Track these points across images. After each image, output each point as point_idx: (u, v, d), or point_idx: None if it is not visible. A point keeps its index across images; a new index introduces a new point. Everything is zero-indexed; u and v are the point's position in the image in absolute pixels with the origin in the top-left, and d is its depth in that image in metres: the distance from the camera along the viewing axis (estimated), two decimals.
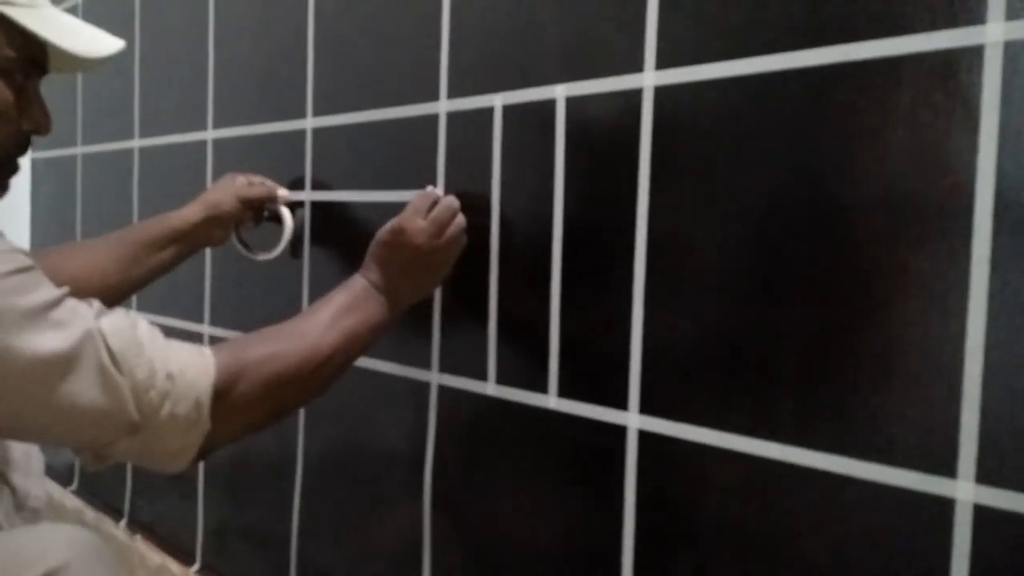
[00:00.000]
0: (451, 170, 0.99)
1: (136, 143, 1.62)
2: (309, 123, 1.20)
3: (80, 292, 0.76)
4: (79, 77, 1.82)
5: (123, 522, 1.65)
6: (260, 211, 1.22)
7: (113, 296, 1.08)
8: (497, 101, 0.93)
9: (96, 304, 0.73)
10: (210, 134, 1.40)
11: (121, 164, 1.66)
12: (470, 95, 0.97)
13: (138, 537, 1.57)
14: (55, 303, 0.68)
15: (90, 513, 1.73)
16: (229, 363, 0.76)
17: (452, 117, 0.99)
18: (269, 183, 1.20)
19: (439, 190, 0.99)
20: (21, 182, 2.04)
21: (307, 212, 1.20)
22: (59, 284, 0.74)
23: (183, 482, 1.48)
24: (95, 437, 0.72)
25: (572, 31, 0.86)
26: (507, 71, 0.92)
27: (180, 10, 1.49)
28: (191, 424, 0.74)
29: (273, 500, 1.28)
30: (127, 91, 1.64)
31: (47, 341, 0.66)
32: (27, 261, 0.69)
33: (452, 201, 0.94)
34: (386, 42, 1.08)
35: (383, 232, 0.92)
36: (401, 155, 1.06)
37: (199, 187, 1.42)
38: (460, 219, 0.94)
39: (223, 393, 0.75)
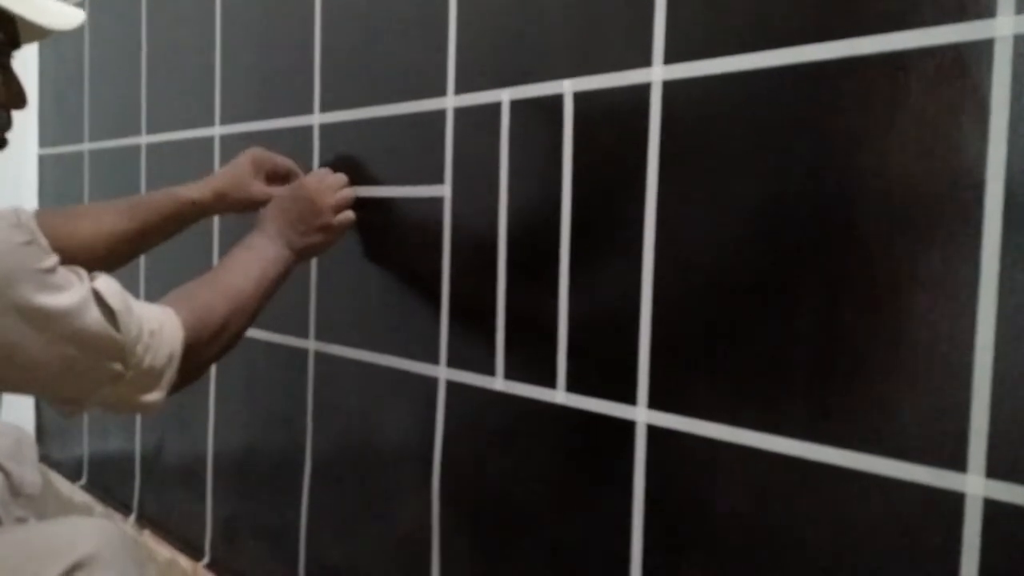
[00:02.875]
0: (459, 165, 0.99)
1: (143, 139, 1.62)
2: (316, 119, 1.20)
3: (85, 257, 0.87)
4: (86, 73, 1.83)
5: (132, 517, 1.65)
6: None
7: (116, 262, 1.09)
8: (504, 96, 0.93)
9: (82, 271, 0.80)
10: (217, 130, 1.41)
11: (128, 160, 1.67)
12: (477, 90, 0.97)
13: (147, 532, 1.58)
14: (54, 269, 0.75)
15: (99, 508, 1.74)
16: (189, 319, 0.86)
17: (459, 112, 0.99)
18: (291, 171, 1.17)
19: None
20: (28, 178, 2.06)
21: None
22: (69, 249, 0.85)
23: (192, 477, 1.49)
24: (84, 386, 0.79)
25: (580, 25, 0.86)
26: (514, 66, 0.92)
27: (187, 5, 1.49)
28: (162, 374, 0.83)
29: (282, 495, 1.28)
30: (134, 87, 1.64)
31: (57, 299, 0.74)
32: (31, 234, 0.75)
33: (342, 176, 1.10)
34: (393, 37, 1.08)
35: (284, 189, 1.09)
36: (409, 150, 1.06)
37: None
38: (350, 190, 1.09)
39: (189, 347, 0.85)
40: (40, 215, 1.02)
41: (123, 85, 1.68)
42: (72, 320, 0.74)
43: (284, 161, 1.15)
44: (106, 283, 0.79)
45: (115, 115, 1.73)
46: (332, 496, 1.21)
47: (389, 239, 1.10)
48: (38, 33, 0.87)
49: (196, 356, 0.87)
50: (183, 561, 1.46)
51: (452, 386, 1.01)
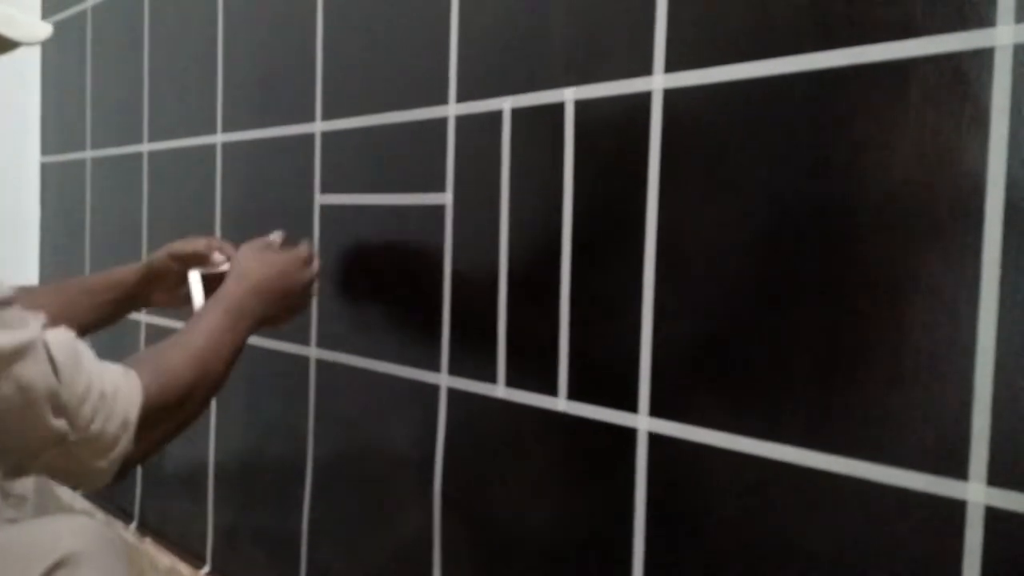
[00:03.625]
0: (460, 173, 1.00)
1: (145, 147, 1.63)
2: (318, 127, 1.21)
3: None
4: (88, 81, 1.83)
5: (133, 524, 1.65)
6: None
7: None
8: (506, 104, 0.94)
9: (41, 315, 0.75)
10: (219, 138, 1.41)
11: (131, 168, 1.67)
12: (479, 98, 0.97)
13: (148, 540, 1.58)
14: (3, 305, 0.71)
15: (100, 515, 1.74)
16: (151, 385, 0.79)
17: (461, 120, 0.99)
18: (215, 248, 1.13)
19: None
20: (30, 186, 2.06)
21: (316, 223, 1.20)
22: None
23: (193, 485, 1.49)
24: (23, 444, 0.73)
25: (581, 34, 0.87)
26: (516, 74, 0.93)
27: (189, 14, 1.49)
28: (115, 442, 0.76)
29: (283, 502, 1.28)
30: (136, 95, 1.65)
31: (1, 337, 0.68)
32: None
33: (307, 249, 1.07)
34: (395, 46, 1.08)
35: (271, 270, 1.00)
36: (410, 158, 1.06)
37: (208, 191, 1.42)
38: (317, 264, 1.07)
39: (146, 414, 0.78)
40: None
41: (125, 93, 1.69)
42: (11, 361, 0.69)
43: (196, 244, 1.14)
44: (57, 335, 0.74)
45: (117, 123, 1.73)
46: (333, 504, 1.21)
47: (390, 247, 1.10)
48: (7, 47, 0.84)
49: (155, 425, 0.81)
50: (184, 569, 1.46)
51: (453, 393, 1.01)
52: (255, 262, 1.01)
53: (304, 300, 1.06)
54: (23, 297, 1.08)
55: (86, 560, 0.81)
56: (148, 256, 1.16)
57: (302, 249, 1.05)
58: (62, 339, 0.74)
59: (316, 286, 1.09)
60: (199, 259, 1.13)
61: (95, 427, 0.74)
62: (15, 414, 0.70)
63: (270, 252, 1.04)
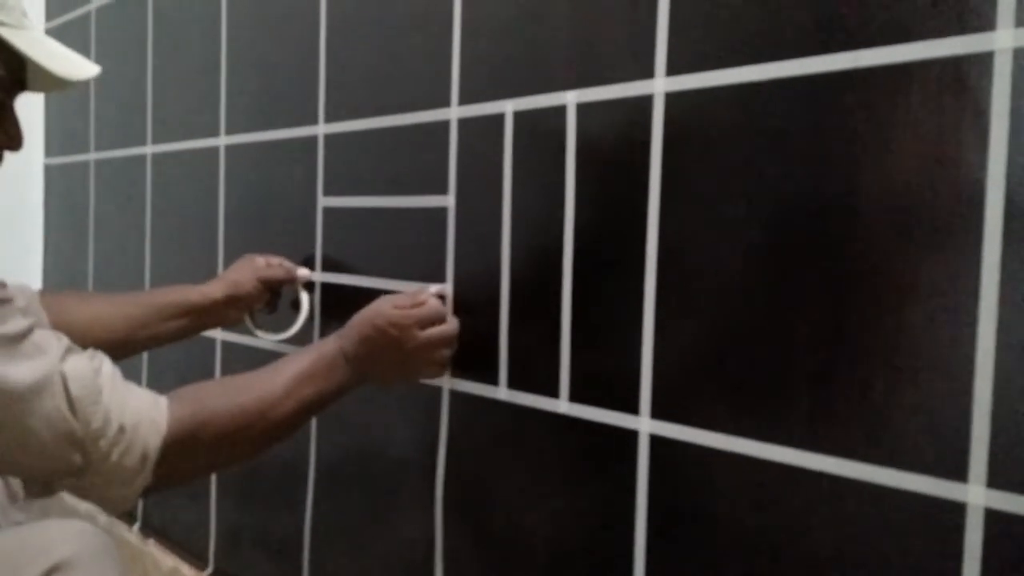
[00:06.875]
0: (463, 176, 1.00)
1: (149, 149, 1.63)
2: (321, 129, 1.21)
3: (82, 341, 0.80)
4: (92, 84, 1.83)
5: (136, 526, 1.66)
6: (276, 294, 1.22)
7: (114, 352, 1.05)
8: (508, 107, 0.94)
9: (64, 340, 0.76)
10: (222, 140, 1.41)
11: (134, 170, 1.67)
12: (481, 101, 0.97)
13: (151, 541, 1.58)
14: (22, 336, 0.71)
15: (103, 517, 1.74)
16: (184, 419, 0.79)
17: (463, 123, 1.00)
18: (287, 264, 1.20)
19: (448, 287, 1.01)
20: (34, 188, 2.07)
21: (319, 225, 1.21)
22: (66, 328, 0.78)
23: (197, 486, 1.49)
24: (38, 473, 0.75)
25: (583, 38, 0.87)
26: (518, 78, 0.93)
27: (193, 16, 1.50)
28: (135, 474, 0.77)
29: (286, 505, 1.28)
30: (140, 97, 1.65)
31: (10, 373, 0.69)
32: (3, 293, 0.72)
33: (454, 328, 0.98)
34: (398, 49, 1.09)
35: (378, 316, 0.94)
36: (413, 161, 1.06)
37: (211, 193, 1.43)
38: (452, 347, 0.99)
39: (171, 448, 0.78)
40: (48, 295, 1.01)
41: (129, 95, 1.69)
42: (27, 398, 0.70)
43: (280, 271, 1.19)
44: (76, 366, 0.74)
45: (121, 125, 1.74)
46: (336, 506, 1.21)
47: (392, 249, 1.10)
48: (53, 84, 0.84)
49: (181, 461, 0.80)
50: (187, 570, 1.46)
51: (455, 395, 1.02)
52: (366, 316, 0.94)
53: (413, 361, 0.96)
54: (92, 301, 1.09)
55: (79, 567, 0.80)
56: (225, 278, 1.17)
57: (426, 311, 0.96)
58: (81, 371, 0.74)
59: (442, 356, 0.98)
60: (283, 282, 1.20)
61: (112, 461, 0.75)
62: (30, 447, 0.72)
63: (396, 308, 0.95)
